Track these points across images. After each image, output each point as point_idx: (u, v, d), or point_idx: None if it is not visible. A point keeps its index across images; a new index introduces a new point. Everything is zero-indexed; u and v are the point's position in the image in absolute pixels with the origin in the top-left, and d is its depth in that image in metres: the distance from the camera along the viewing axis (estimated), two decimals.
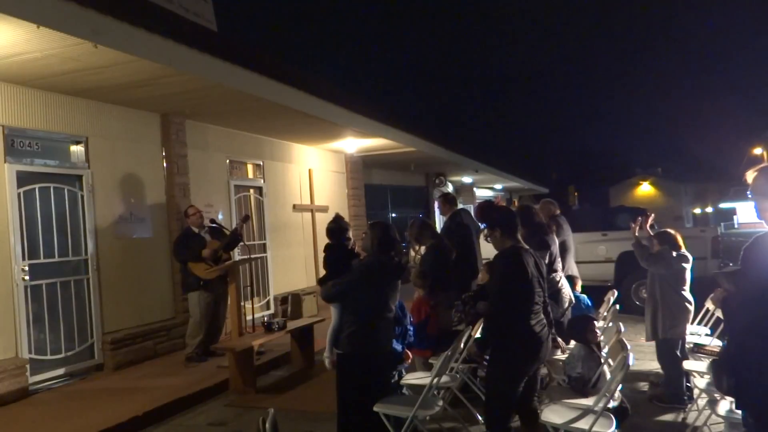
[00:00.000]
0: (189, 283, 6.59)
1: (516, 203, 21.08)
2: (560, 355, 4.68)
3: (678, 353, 4.75)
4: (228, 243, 6.79)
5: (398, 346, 4.30)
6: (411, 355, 4.57)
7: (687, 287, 4.80)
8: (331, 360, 4.06)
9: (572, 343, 4.44)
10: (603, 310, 5.58)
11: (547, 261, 4.92)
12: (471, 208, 18.00)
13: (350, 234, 5.53)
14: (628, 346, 3.40)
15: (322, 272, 5.62)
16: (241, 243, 7.30)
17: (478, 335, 4.19)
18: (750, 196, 2.45)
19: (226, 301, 6.87)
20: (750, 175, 2.44)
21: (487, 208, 5.38)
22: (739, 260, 2.40)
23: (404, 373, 4.37)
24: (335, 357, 3.98)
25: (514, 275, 3.41)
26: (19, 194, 5.69)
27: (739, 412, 2.45)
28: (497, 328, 3.44)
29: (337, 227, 5.56)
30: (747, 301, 2.31)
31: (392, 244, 3.82)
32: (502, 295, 3.43)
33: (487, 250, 4.77)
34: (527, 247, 3.60)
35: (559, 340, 4.82)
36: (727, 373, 2.33)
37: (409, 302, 4.81)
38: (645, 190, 51.07)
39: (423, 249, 5.54)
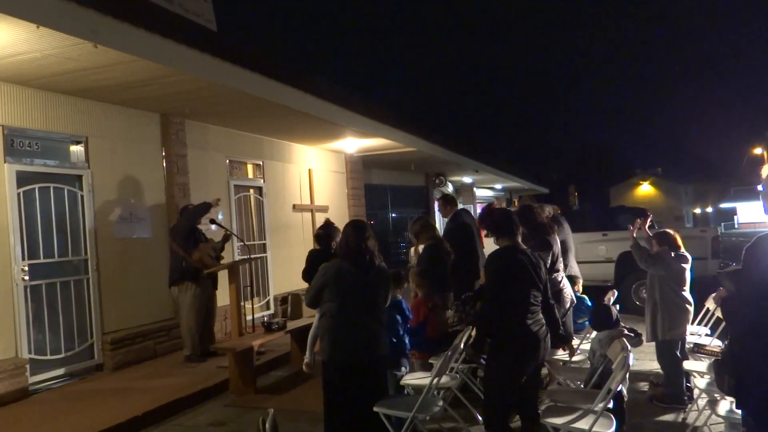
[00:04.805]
0: (182, 270, 6.47)
1: (516, 203, 21.09)
2: (562, 355, 4.67)
3: (678, 354, 4.75)
4: (216, 255, 6.84)
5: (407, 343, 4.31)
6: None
7: (686, 288, 4.79)
8: (307, 363, 4.01)
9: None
10: None
11: (549, 261, 4.92)
12: (471, 208, 18.06)
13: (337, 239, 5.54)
14: (628, 346, 3.40)
15: None
16: (241, 243, 7.29)
17: None
18: (763, 190, 2.45)
19: (215, 302, 6.89)
20: (765, 170, 2.43)
21: (484, 216, 5.38)
22: (741, 260, 2.40)
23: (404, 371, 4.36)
24: (312, 361, 4.00)
25: (504, 275, 3.41)
26: (18, 194, 5.68)
27: (740, 411, 2.45)
28: (488, 327, 3.44)
29: (324, 233, 5.57)
30: (748, 301, 2.31)
31: (358, 247, 3.53)
32: (492, 294, 3.43)
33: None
34: (524, 247, 3.60)
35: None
36: (728, 373, 2.33)
37: (408, 304, 4.79)
38: (645, 190, 51.12)
39: (421, 248, 5.54)
